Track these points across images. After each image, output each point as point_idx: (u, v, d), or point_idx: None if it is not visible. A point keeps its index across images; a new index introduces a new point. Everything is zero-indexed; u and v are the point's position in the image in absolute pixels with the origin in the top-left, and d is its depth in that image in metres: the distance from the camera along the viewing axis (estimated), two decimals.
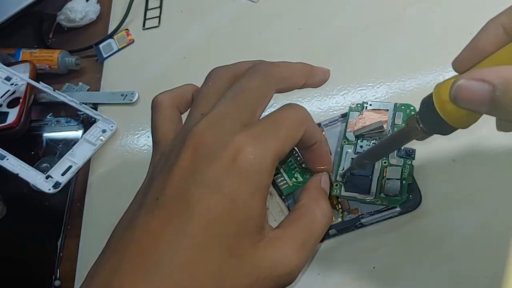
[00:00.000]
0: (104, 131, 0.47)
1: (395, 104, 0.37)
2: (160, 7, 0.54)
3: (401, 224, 0.35)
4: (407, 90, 0.41)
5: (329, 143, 0.32)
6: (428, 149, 0.36)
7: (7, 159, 0.45)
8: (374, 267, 0.35)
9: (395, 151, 0.35)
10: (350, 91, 0.42)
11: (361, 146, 0.36)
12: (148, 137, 0.47)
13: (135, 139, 0.47)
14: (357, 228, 0.36)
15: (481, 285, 0.32)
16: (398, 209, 0.35)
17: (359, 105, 0.38)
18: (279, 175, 0.33)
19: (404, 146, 0.33)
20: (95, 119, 0.48)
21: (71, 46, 0.55)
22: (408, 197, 0.35)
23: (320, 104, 0.43)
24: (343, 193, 0.35)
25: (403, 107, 0.37)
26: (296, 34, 0.47)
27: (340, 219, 0.36)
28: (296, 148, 0.32)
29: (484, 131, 0.34)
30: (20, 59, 0.54)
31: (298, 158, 0.33)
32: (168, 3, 0.54)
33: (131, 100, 0.49)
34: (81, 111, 0.48)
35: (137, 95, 0.49)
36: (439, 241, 0.34)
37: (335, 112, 0.42)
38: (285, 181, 0.33)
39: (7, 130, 0.48)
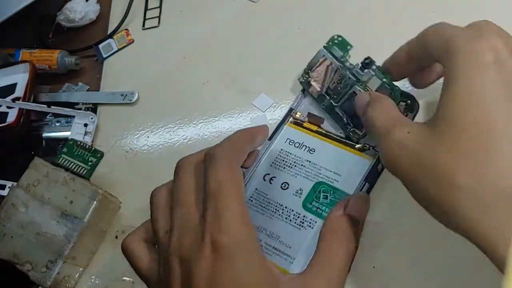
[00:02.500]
0: (86, 124, 0.48)
1: (324, 47, 0.40)
2: (160, 7, 0.54)
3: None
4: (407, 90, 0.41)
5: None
6: None
7: None
8: (374, 267, 0.35)
9: None
10: None
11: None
12: (148, 137, 0.47)
13: (135, 139, 0.47)
14: None
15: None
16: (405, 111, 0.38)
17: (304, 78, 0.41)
18: None
19: None
20: (71, 116, 0.48)
21: (70, 46, 0.55)
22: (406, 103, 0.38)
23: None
24: None
25: (330, 43, 0.41)
26: (296, 34, 0.47)
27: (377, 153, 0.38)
28: None
29: None
30: (19, 59, 0.54)
31: None
32: (168, 3, 0.54)
33: (130, 100, 0.49)
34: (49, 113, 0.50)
35: (136, 95, 0.49)
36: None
37: None
38: None
39: (7, 130, 0.48)
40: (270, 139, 0.41)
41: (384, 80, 0.36)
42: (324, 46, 0.40)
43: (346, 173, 0.38)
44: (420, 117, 0.39)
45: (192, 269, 0.28)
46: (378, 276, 0.35)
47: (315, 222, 0.36)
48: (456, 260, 0.33)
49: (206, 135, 0.45)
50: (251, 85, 0.46)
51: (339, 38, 0.42)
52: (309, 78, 0.41)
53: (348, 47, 0.42)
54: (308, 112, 0.41)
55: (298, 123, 0.41)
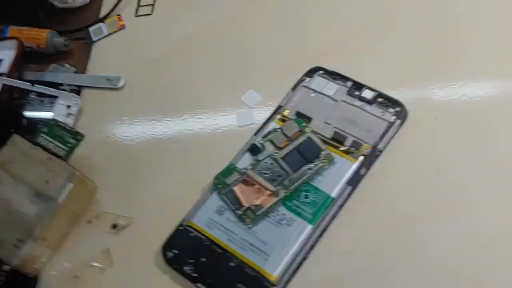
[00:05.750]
0: (69, 106, 0.47)
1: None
2: None
3: None
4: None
5: None
6: None
7: None
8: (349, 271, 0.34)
9: None
10: None
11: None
12: (130, 124, 0.46)
13: (117, 125, 0.46)
14: (377, 156, 0.37)
15: None
16: (398, 122, 0.38)
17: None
18: None
19: None
20: (55, 97, 0.47)
21: (61, 27, 0.54)
22: (396, 110, 0.38)
23: None
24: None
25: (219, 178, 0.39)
26: (290, 34, 0.47)
27: (361, 157, 0.37)
28: None
29: None
30: (8, 35, 0.53)
31: None
32: None
33: (116, 85, 0.48)
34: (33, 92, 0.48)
35: (123, 81, 0.48)
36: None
37: None
38: None
39: None
40: (255, 134, 0.40)
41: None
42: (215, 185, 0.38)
43: (329, 174, 0.37)
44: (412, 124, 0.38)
45: None
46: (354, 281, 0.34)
47: (294, 220, 0.36)
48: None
49: (191, 128, 0.44)
50: (240, 81, 0.45)
51: (219, 176, 0.39)
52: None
53: (231, 166, 0.39)
54: (297, 111, 0.41)
55: (285, 121, 0.40)
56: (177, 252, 0.37)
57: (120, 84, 0.48)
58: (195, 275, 0.35)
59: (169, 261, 0.36)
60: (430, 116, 0.39)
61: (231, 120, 0.43)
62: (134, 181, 0.42)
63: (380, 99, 0.39)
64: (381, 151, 0.38)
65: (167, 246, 0.37)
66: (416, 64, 0.41)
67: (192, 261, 0.36)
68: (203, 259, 0.36)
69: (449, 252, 0.33)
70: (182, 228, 0.37)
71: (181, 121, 0.45)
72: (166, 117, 0.45)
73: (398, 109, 0.39)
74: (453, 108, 0.39)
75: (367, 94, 0.40)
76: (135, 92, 0.48)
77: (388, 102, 0.39)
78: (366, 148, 0.37)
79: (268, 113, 0.42)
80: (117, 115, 0.47)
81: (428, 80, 0.40)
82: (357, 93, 0.40)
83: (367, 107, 0.39)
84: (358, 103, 0.40)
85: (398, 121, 0.38)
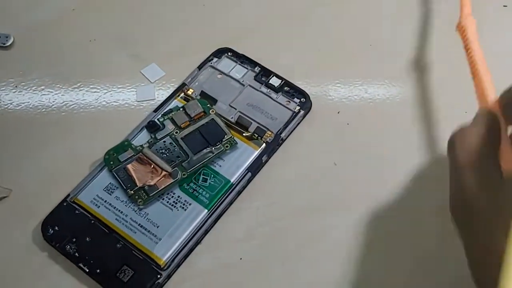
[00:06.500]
0: None
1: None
2: None
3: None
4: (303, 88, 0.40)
5: None
6: None
7: None
8: (241, 259, 0.34)
9: None
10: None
11: None
12: (16, 87, 0.41)
13: (1, 87, 0.41)
14: (280, 145, 0.37)
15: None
16: (301, 112, 0.38)
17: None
18: None
19: None
20: None
21: None
22: (300, 100, 0.38)
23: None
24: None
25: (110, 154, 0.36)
26: (200, 10, 0.45)
27: (264, 144, 0.36)
28: None
29: None
30: None
31: None
32: None
33: (4, 44, 0.43)
34: None
35: (12, 38, 0.43)
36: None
37: None
38: None
39: None
40: (155, 111, 0.38)
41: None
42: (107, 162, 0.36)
43: (230, 159, 0.36)
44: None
45: None
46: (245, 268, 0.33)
47: (189, 204, 0.34)
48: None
49: (83, 99, 0.41)
50: (143, 52, 0.43)
51: (111, 151, 0.36)
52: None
53: (126, 142, 0.37)
54: (202, 91, 0.39)
55: (188, 100, 0.39)
56: (58, 229, 0.33)
57: (8, 43, 0.43)
58: (77, 254, 0.33)
59: (49, 238, 0.33)
60: (333, 110, 0.39)
61: (129, 94, 0.41)
62: (16, 151, 0.38)
63: (286, 88, 0.39)
64: (283, 140, 0.37)
65: (48, 222, 0.34)
66: (325, 59, 0.42)
67: (74, 240, 0.33)
68: (88, 239, 0.33)
69: (341, 243, 0.34)
70: (65, 204, 0.34)
71: (73, 89, 0.41)
72: (57, 83, 0.41)
73: (303, 99, 0.38)
74: (354, 104, 0.39)
75: (275, 81, 0.39)
76: (25, 52, 0.43)
77: (294, 92, 0.39)
78: (269, 136, 0.37)
79: (170, 90, 0.40)
80: (2, 77, 0.42)
81: (334, 76, 0.41)
82: (264, 79, 0.39)
83: (273, 95, 0.39)
84: (265, 89, 0.39)
85: (302, 112, 0.38)
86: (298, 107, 0.38)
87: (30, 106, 0.40)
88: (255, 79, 0.39)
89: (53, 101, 0.41)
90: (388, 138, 0.38)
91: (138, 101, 0.40)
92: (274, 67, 0.40)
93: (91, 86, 0.41)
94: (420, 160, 0.37)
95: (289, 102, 0.38)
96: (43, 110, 0.40)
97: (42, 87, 0.41)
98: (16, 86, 0.41)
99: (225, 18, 0.44)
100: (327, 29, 0.43)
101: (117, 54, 0.43)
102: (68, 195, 0.35)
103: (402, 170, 0.36)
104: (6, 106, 0.40)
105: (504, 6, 0.44)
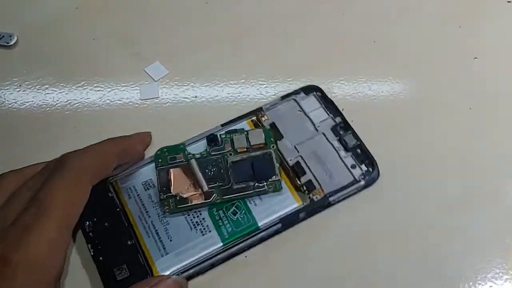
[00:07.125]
0: None
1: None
2: None
3: None
4: None
5: None
6: None
7: None
8: None
9: None
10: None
11: None
12: (20, 86, 0.41)
13: (4, 87, 0.42)
14: (325, 208, 0.34)
15: None
16: (362, 183, 0.34)
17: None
18: None
19: None
20: None
21: None
22: (368, 170, 0.35)
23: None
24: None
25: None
26: (203, 8, 0.44)
27: (309, 201, 0.34)
28: None
29: None
30: None
31: None
32: None
33: (7, 43, 0.44)
34: None
35: (15, 38, 0.44)
36: None
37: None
38: None
39: None
40: (223, 125, 0.37)
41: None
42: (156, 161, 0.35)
43: (268, 202, 0.34)
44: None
45: None
46: None
47: (209, 231, 0.33)
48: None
49: (87, 98, 0.41)
50: (146, 51, 0.42)
51: (165, 149, 0.36)
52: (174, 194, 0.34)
53: (181, 146, 0.36)
54: (273, 122, 0.37)
55: (258, 126, 0.37)
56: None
57: (12, 42, 0.44)
58: (91, 235, 0.34)
59: None
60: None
61: (133, 93, 0.41)
62: (20, 150, 0.38)
63: (358, 150, 0.36)
64: (330, 204, 0.34)
65: None
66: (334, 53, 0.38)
67: (95, 219, 0.34)
68: (106, 224, 0.34)
69: None
70: (104, 183, 0.35)
71: (77, 88, 0.41)
72: (61, 82, 0.42)
73: (370, 169, 0.35)
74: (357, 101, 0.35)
75: (349, 139, 0.36)
76: (28, 51, 0.44)
77: (364, 158, 0.35)
78: (317, 194, 0.34)
79: (173, 88, 0.40)
80: (6, 76, 0.43)
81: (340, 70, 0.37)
82: (341, 132, 0.36)
83: (342, 153, 0.36)
84: (336, 143, 0.36)
85: (363, 182, 0.35)
86: (361, 176, 0.35)
87: (34, 105, 0.41)
88: (331, 129, 0.37)
89: (57, 100, 0.41)
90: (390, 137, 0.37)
91: (142, 100, 0.40)
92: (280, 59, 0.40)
93: (95, 85, 0.41)
94: None
95: (355, 166, 0.35)
96: (47, 109, 0.40)
97: (46, 86, 0.42)
98: (20, 85, 0.42)
99: (227, 16, 0.44)
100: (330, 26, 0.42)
101: (121, 52, 0.43)
102: (111, 176, 0.35)
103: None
104: (10, 105, 0.41)
105: (508, 1, 0.44)
